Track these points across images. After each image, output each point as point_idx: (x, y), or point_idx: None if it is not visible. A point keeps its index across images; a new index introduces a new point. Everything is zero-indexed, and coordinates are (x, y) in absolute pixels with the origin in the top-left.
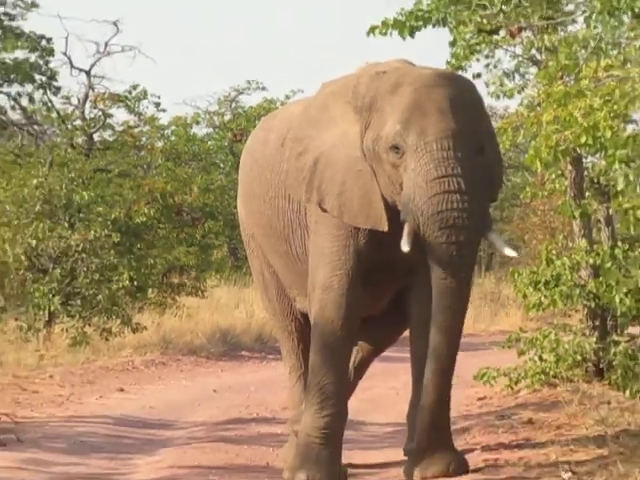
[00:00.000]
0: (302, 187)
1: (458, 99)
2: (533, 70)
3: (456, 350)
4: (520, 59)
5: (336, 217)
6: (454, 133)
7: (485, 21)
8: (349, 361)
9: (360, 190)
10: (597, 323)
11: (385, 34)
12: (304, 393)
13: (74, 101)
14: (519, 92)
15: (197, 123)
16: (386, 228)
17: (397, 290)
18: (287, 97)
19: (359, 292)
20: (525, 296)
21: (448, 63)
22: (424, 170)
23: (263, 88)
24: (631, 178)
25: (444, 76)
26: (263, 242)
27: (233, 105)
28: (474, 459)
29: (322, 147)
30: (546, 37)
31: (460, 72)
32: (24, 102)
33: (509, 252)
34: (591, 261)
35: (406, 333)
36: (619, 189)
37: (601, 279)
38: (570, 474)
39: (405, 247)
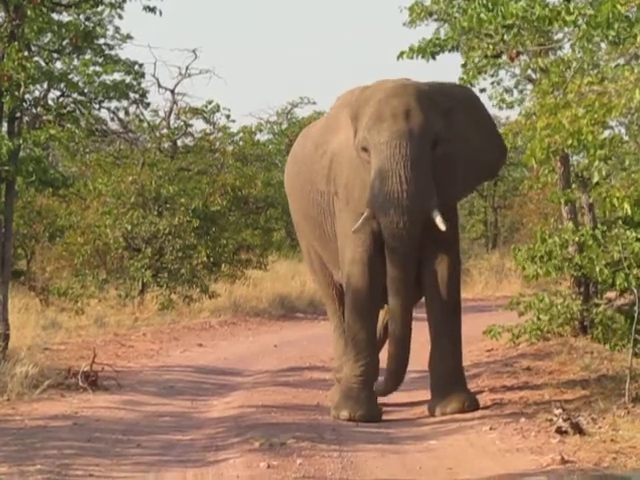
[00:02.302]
0: (324, 180)
1: (412, 105)
2: (529, 86)
3: (405, 297)
4: (518, 78)
5: (345, 204)
6: (403, 134)
7: (490, 47)
8: (377, 319)
9: (358, 182)
10: (582, 289)
11: (412, 58)
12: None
13: (161, 114)
14: (518, 104)
15: (260, 131)
16: None
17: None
18: None
19: (378, 264)
20: (524, 268)
21: (461, 79)
22: (378, 165)
23: (313, 103)
24: (604, 172)
25: (405, 87)
26: (304, 227)
27: (289, 116)
28: (483, 398)
29: (335, 149)
30: (539, 60)
31: (469, 87)
32: (121, 115)
33: (442, 226)
34: (576, 239)
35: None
36: (595, 181)
37: (585, 254)
38: (561, 410)
39: (354, 228)
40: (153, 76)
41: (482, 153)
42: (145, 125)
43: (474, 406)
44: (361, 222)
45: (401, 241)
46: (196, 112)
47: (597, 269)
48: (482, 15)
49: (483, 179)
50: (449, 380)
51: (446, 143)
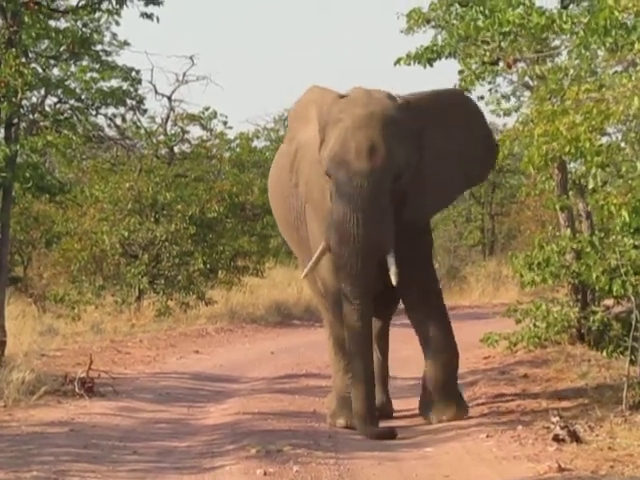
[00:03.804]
0: (289, 166)
1: (377, 139)
2: (527, 93)
3: (365, 352)
4: (516, 85)
5: (305, 201)
6: (364, 174)
7: (487, 54)
8: None
9: (318, 184)
10: (579, 296)
11: (408, 64)
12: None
13: (158, 120)
14: (515, 111)
15: (257, 137)
16: None
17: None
18: None
19: None
20: (521, 275)
21: (458, 86)
22: (338, 202)
23: None
24: (599, 179)
25: (371, 117)
26: (284, 233)
27: (286, 123)
28: (480, 406)
29: (300, 141)
30: (537, 67)
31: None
32: (118, 121)
33: (394, 279)
34: (574, 247)
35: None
36: (590, 188)
37: (582, 261)
38: (558, 418)
39: (304, 272)
40: (150, 83)
41: (466, 165)
42: (142, 132)
43: (466, 413)
44: (315, 260)
45: (354, 286)
46: (193, 119)
47: (594, 276)
48: (479, 22)
49: (467, 188)
50: (444, 387)
51: (415, 169)
